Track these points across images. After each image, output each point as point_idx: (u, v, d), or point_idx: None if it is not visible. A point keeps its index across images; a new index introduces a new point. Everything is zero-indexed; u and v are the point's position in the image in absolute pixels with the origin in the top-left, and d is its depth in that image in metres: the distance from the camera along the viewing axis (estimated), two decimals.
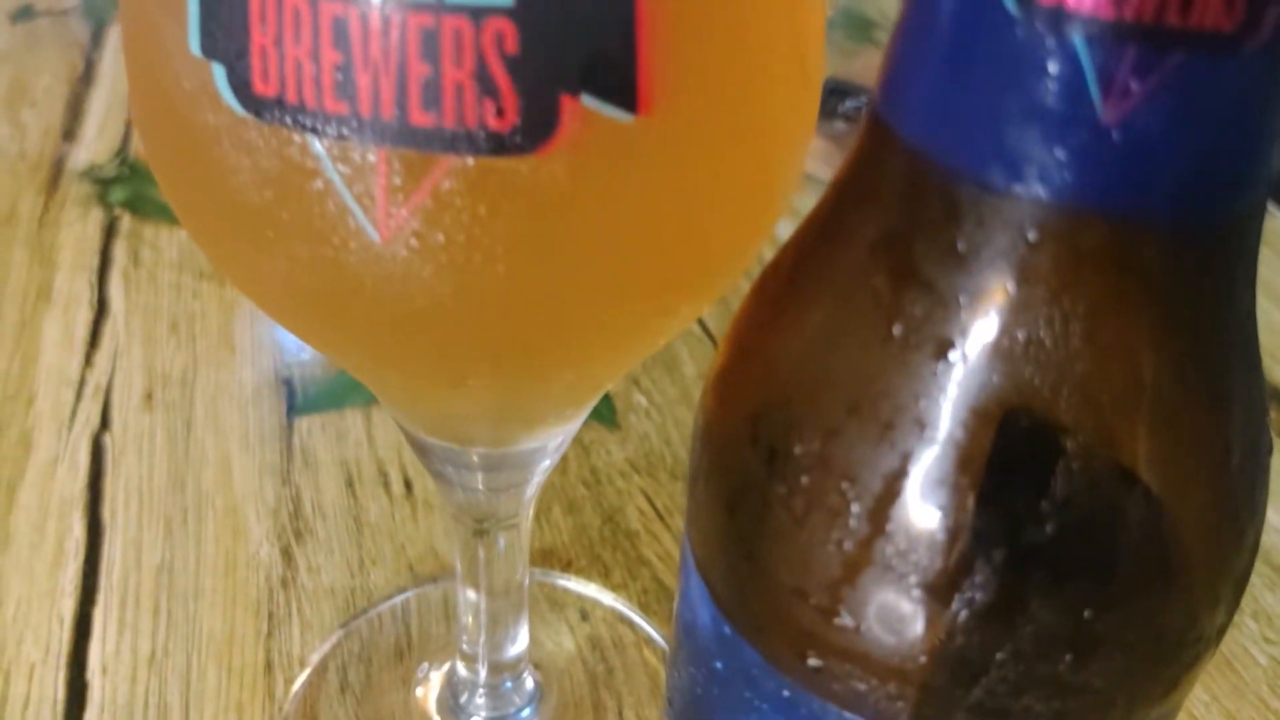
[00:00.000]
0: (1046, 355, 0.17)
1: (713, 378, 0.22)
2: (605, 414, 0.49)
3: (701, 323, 0.54)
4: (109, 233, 0.58)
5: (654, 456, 0.47)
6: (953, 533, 0.18)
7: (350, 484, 0.46)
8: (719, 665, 0.22)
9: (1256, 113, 0.16)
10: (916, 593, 0.18)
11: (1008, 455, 0.18)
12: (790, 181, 0.23)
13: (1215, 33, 0.15)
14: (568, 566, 0.43)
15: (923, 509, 0.18)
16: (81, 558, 0.42)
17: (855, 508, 0.19)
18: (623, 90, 0.19)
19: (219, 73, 0.19)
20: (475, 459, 0.28)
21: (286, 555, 0.43)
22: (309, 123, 0.19)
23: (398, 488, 0.46)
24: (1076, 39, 0.15)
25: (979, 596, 0.18)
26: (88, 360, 0.51)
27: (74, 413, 0.48)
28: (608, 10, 0.18)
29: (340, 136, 0.19)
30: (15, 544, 0.43)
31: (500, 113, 0.19)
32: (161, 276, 0.55)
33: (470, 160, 0.19)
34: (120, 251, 0.57)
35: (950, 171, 0.17)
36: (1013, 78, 0.16)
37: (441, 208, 0.19)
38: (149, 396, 0.49)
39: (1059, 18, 0.15)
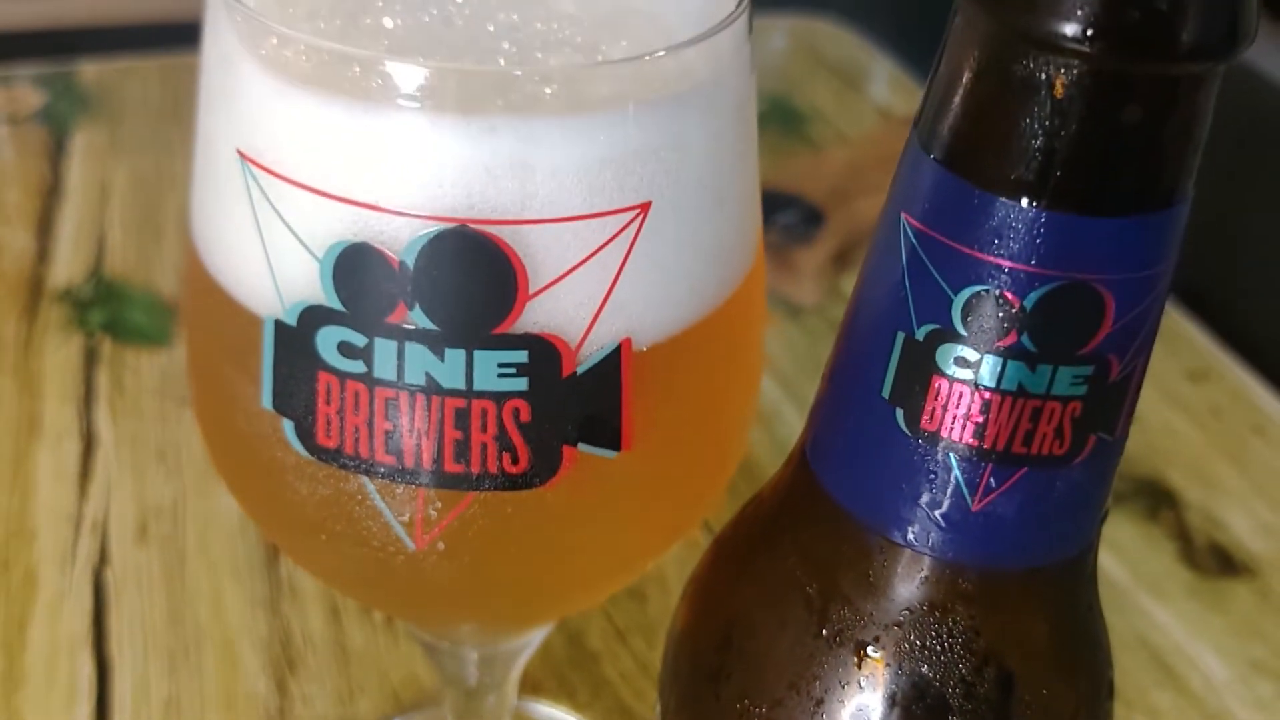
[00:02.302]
0: (940, 659, 0.23)
1: (678, 631, 0.27)
2: None
3: None
4: (90, 359, 0.62)
5: None
6: None
7: (335, 613, 0.50)
8: None
9: (1078, 499, 0.22)
10: None
11: None
12: (736, 459, 0.29)
13: (1049, 456, 0.21)
14: (537, 689, 0.48)
15: None
16: (94, 696, 0.46)
17: None
18: (610, 436, 0.24)
19: (288, 425, 0.24)
20: (474, 656, 0.33)
21: (281, 688, 0.47)
22: (361, 467, 0.24)
23: (379, 616, 0.50)
24: (950, 455, 0.21)
25: None
26: (82, 493, 0.55)
27: (74, 549, 0.52)
28: (601, 388, 0.23)
29: (387, 477, 0.24)
30: (31, 682, 0.47)
31: (515, 461, 0.24)
32: (145, 404, 0.59)
33: (489, 494, 0.24)
34: (103, 378, 0.61)
35: (863, 524, 0.23)
36: (908, 474, 0.22)
37: (466, 526, 0.25)
38: (143, 529, 0.53)
39: (937, 440, 0.21)
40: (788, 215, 0.73)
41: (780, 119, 0.89)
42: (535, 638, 0.34)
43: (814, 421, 0.24)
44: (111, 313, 0.65)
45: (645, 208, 0.23)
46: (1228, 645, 0.52)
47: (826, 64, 0.97)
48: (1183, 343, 0.70)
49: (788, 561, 0.25)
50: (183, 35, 0.99)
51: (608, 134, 0.22)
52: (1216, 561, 0.57)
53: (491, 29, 0.25)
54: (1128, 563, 0.56)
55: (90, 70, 0.88)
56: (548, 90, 0.22)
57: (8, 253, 0.69)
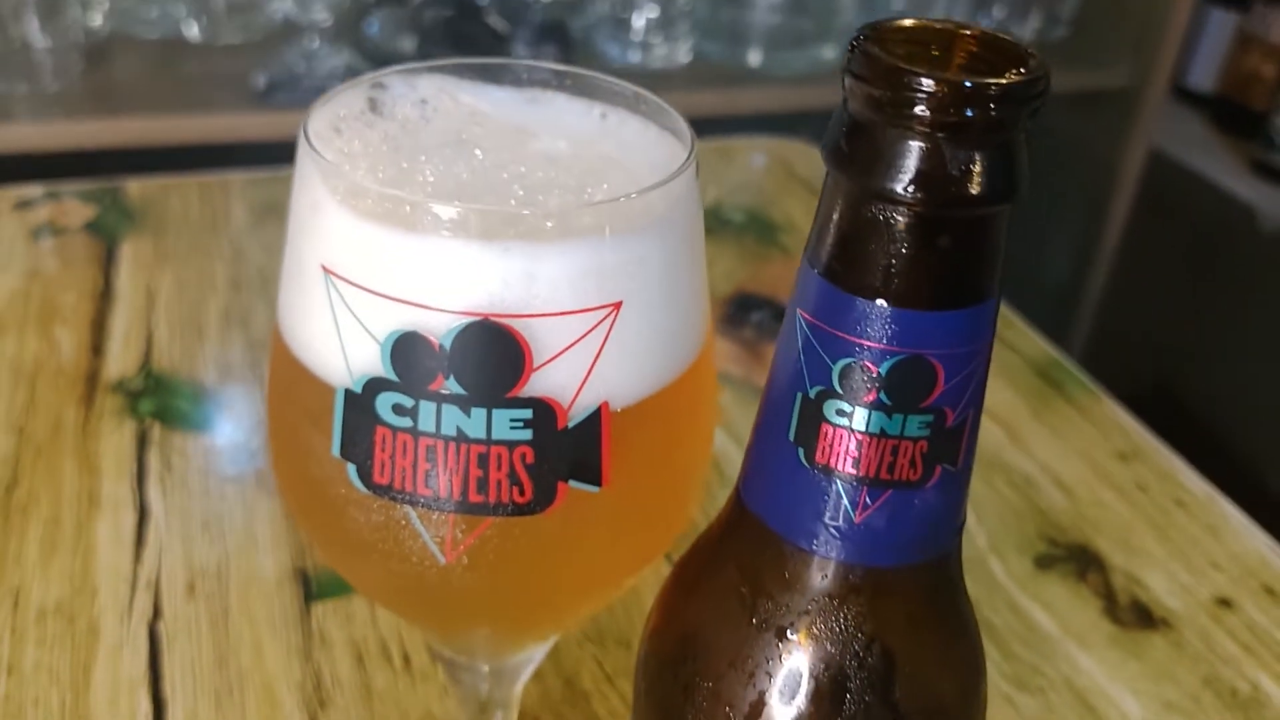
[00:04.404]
0: (838, 637, 0.31)
1: (648, 632, 0.35)
2: None
3: None
4: (142, 442, 0.70)
5: (603, 629, 0.60)
6: None
7: (360, 659, 0.58)
8: None
9: (933, 514, 0.30)
10: None
11: (821, 698, 0.31)
12: (695, 499, 0.37)
13: (907, 481, 0.29)
14: None
15: None
16: None
17: None
18: (593, 475, 0.32)
19: (351, 468, 0.32)
20: (485, 669, 0.40)
21: None
22: (406, 499, 0.32)
23: (398, 661, 0.58)
24: (836, 481, 0.29)
25: None
26: (137, 557, 0.62)
27: (131, 604, 0.60)
28: (586, 438, 0.32)
29: (425, 507, 0.32)
30: (95, 716, 0.54)
31: (523, 494, 0.32)
32: (191, 481, 0.67)
33: (503, 518, 0.32)
34: (154, 459, 0.69)
35: (779, 536, 0.31)
36: (808, 494, 0.30)
37: (484, 543, 0.33)
38: (191, 588, 0.61)
39: (828, 471, 0.29)
40: (761, 314, 0.81)
41: (757, 229, 0.98)
42: (536, 654, 0.41)
43: (745, 463, 0.32)
44: (160, 402, 0.73)
45: (617, 306, 0.31)
46: (1144, 688, 0.60)
47: (799, 179, 1.07)
48: (1113, 427, 0.79)
49: (727, 570, 0.32)
50: (217, 157, 1.11)
51: (590, 253, 0.31)
52: (1136, 616, 0.64)
53: (505, 176, 0.34)
54: (1057, 617, 0.63)
55: (135, 187, 0.97)
56: (548, 223, 0.30)
57: (66, 349, 0.77)
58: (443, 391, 0.31)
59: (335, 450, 0.32)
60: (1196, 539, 0.70)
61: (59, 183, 0.97)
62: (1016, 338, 0.88)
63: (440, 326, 0.30)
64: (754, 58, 1.27)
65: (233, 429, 0.72)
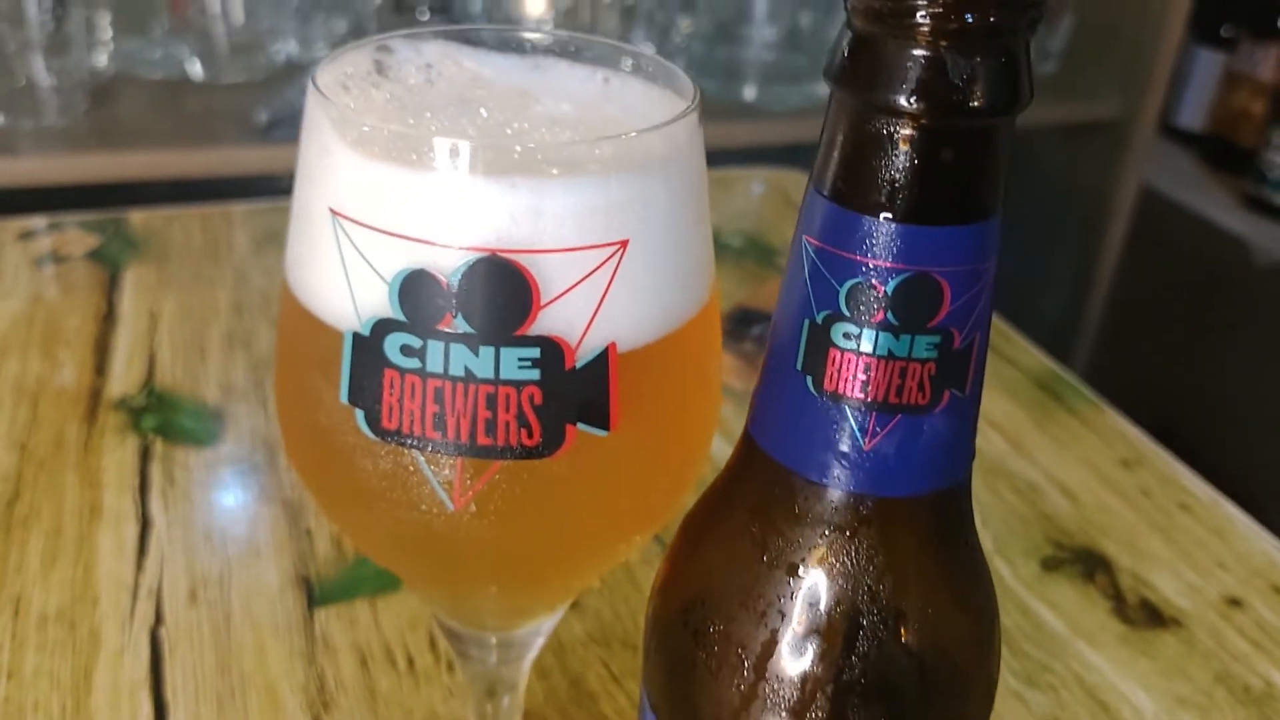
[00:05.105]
0: (851, 572, 0.30)
1: (657, 585, 0.35)
2: None
3: None
4: (144, 456, 0.70)
5: (609, 630, 0.60)
6: (804, 685, 0.31)
7: (364, 663, 0.57)
8: None
9: (942, 442, 0.30)
10: (784, 715, 0.31)
11: (833, 638, 0.31)
12: (703, 454, 0.37)
13: (915, 405, 0.29)
14: None
15: (785, 670, 0.31)
16: None
17: (746, 667, 0.31)
18: (601, 418, 0.32)
19: (359, 414, 0.32)
20: (493, 640, 0.40)
21: None
22: (414, 444, 0.32)
23: (402, 664, 0.57)
24: (845, 407, 0.29)
25: (821, 717, 0.31)
26: (139, 567, 0.62)
27: (132, 612, 0.59)
28: (594, 379, 0.32)
29: (433, 451, 0.32)
30: (96, 719, 0.53)
31: (530, 436, 0.32)
32: (194, 494, 0.67)
33: (511, 462, 0.32)
34: (156, 472, 0.69)
35: (788, 469, 0.31)
36: (817, 424, 0.30)
37: (492, 489, 0.33)
38: (193, 596, 0.60)
39: (836, 397, 0.29)
40: (761, 328, 0.82)
41: (756, 253, 0.99)
42: (545, 625, 0.41)
43: (753, 401, 0.32)
44: (162, 418, 0.73)
45: (624, 244, 0.31)
46: (1156, 684, 0.59)
47: (796, 207, 1.08)
48: (1116, 435, 0.79)
49: (736, 512, 0.32)
50: (219, 192, 1.11)
51: (596, 190, 0.31)
52: (1146, 616, 0.64)
53: (510, 132, 0.34)
54: (1065, 617, 0.63)
55: (138, 218, 0.98)
56: (553, 159, 0.30)
57: (69, 369, 0.77)
58: (451, 330, 0.31)
59: (343, 396, 0.32)
60: (1203, 541, 0.69)
61: (63, 214, 0.98)
62: (1016, 352, 0.88)
63: (448, 264, 0.30)
64: (749, 93, 1.29)
65: (236, 443, 0.72)
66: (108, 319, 0.83)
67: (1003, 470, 0.74)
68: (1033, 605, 0.64)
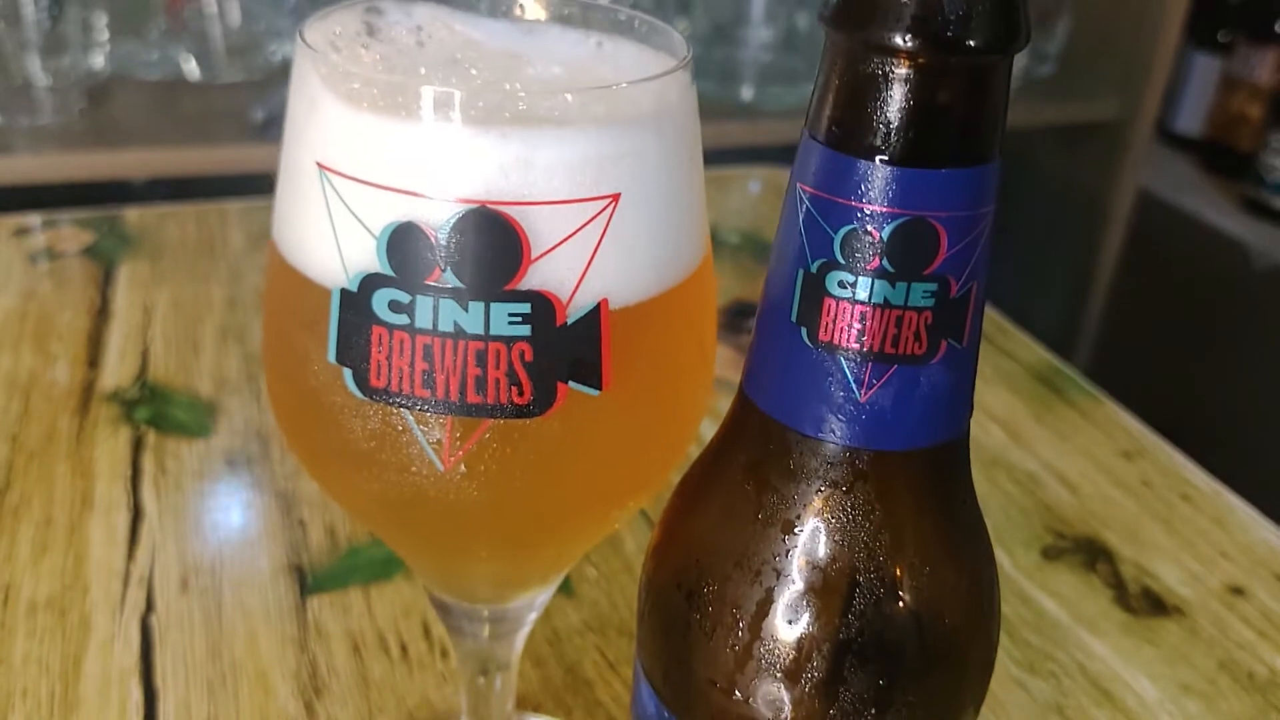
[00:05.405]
0: (847, 530, 0.30)
1: (650, 549, 0.34)
2: (563, 585, 0.60)
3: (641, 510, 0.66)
4: (137, 447, 0.69)
5: (604, 618, 0.59)
6: (799, 644, 0.30)
7: (356, 650, 0.56)
8: None
9: (940, 394, 0.29)
10: (779, 675, 0.30)
11: (829, 596, 0.30)
12: (698, 414, 0.37)
13: (911, 355, 0.28)
14: (538, 709, 0.54)
15: (780, 629, 0.30)
16: (141, 715, 0.52)
17: (741, 627, 0.31)
18: (593, 377, 0.32)
19: (347, 373, 0.32)
20: (485, 613, 0.39)
21: (309, 709, 0.53)
22: (403, 402, 0.31)
23: (396, 651, 0.56)
24: (841, 358, 0.28)
25: (816, 681, 0.30)
26: (130, 555, 0.61)
27: (123, 599, 0.58)
28: (586, 336, 0.31)
29: (422, 410, 0.31)
30: (84, 706, 0.52)
31: (521, 394, 0.31)
32: (186, 484, 0.67)
33: (502, 421, 0.32)
34: (148, 462, 0.68)
35: (783, 425, 0.30)
36: (812, 376, 0.29)
37: (482, 448, 0.32)
38: (185, 584, 0.60)
39: (832, 348, 0.28)
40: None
41: (752, 249, 0.99)
42: (538, 600, 0.40)
43: (748, 359, 0.31)
44: (155, 410, 0.73)
45: (616, 198, 0.31)
46: (1160, 672, 0.58)
47: None
48: (1116, 427, 0.78)
49: (730, 472, 0.32)
50: (215, 190, 1.11)
51: (587, 142, 0.30)
52: (1148, 604, 0.63)
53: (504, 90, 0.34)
54: (1066, 605, 0.62)
55: (133, 215, 0.98)
56: (543, 110, 0.30)
57: (62, 363, 0.77)
58: (440, 285, 0.30)
59: (331, 356, 0.32)
60: (1205, 531, 0.69)
61: (58, 212, 0.97)
62: (1014, 346, 0.87)
63: (437, 216, 0.30)
64: (746, 93, 1.29)
65: (229, 435, 0.71)
66: (101, 313, 0.83)
67: (1002, 461, 0.74)
68: (1033, 594, 0.63)
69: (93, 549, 0.61)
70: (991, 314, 0.87)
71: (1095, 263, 1.57)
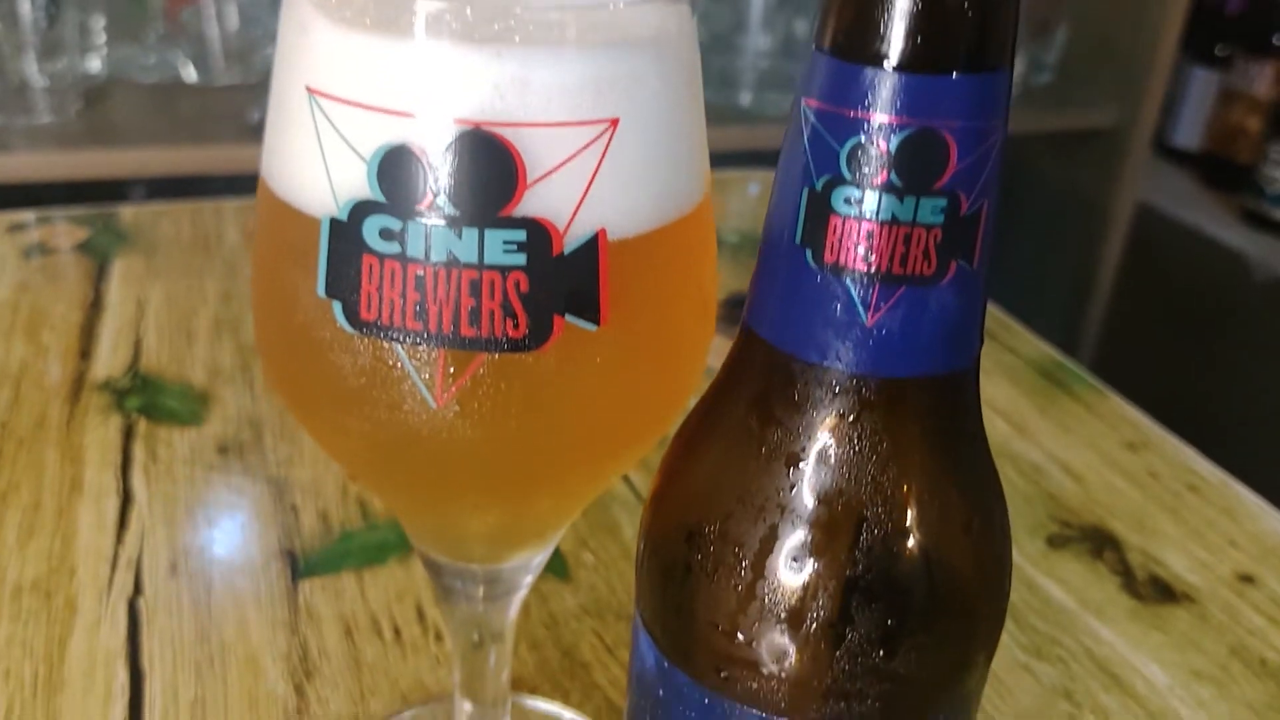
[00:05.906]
0: (854, 463, 0.29)
1: (650, 495, 0.33)
2: (559, 569, 0.59)
3: (635, 491, 0.65)
4: (127, 434, 0.68)
5: (601, 602, 0.58)
6: (804, 580, 0.29)
7: (349, 633, 0.55)
8: (660, 692, 0.32)
9: (949, 318, 0.28)
10: (784, 618, 0.29)
11: (835, 530, 0.29)
12: (698, 363, 0.36)
13: (920, 275, 0.27)
14: (534, 691, 0.52)
15: (784, 565, 0.29)
16: (127, 697, 0.51)
17: (743, 566, 0.30)
18: (591, 311, 0.31)
19: (337, 306, 0.31)
20: (478, 572, 0.38)
21: (299, 691, 0.52)
22: (395, 336, 0.30)
23: (389, 634, 0.55)
24: (847, 280, 0.27)
25: (822, 619, 0.29)
26: (119, 539, 0.60)
27: (110, 582, 0.57)
28: (583, 267, 0.30)
29: (414, 343, 0.30)
30: (70, 687, 0.51)
31: (516, 326, 0.30)
32: (177, 470, 0.65)
33: (496, 355, 0.31)
34: (139, 450, 0.67)
35: (787, 354, 0.29)
36: (817, 299, 0.28)
37: (476, 384, 0.31)
38: (174, 567, 0.58)
39: (838, 269, 0.27)
40: None
41: (752, 248, 0.98)
42: (534, 562, 0.39)
43: (750, 290, 0.30)
44: (147, 399, 0.72)
45: (614, 123, 0.30)
46: (1169, 658, 0.57)
47: None
48: (1121, 420, 0.77)
49: (733, 407, 0.31)
50: (210, 190, 1.11)
51: (584, 63, 0.30)
52: (1156, 591, 0.62)
53: (498, 27, 0.33)
54: (1073, 592, 0.61)
55: (128, 213, 0.97)
56: (539, 28, 0.29)
57: (54, 354, 0.76)
58: (433, 211, 0.29)
59: (320, 289, 0.31)
60: (1213, 520, 0.68)
61: (53, 209, 0.97)
62: (1016, 340, 0.86)
63: (430, 138, 0.29)
64: (745, 99, 1.28)
65: (221, 423, 0.70)
66: (94, 307, 0.82)
67: (1005, 452, 0.73)
68: (1039, 581, 0.62)
69: (81, 533, 0.60)
70: (993, 310, 0.86)
71: (1095, 274, 1.56)
